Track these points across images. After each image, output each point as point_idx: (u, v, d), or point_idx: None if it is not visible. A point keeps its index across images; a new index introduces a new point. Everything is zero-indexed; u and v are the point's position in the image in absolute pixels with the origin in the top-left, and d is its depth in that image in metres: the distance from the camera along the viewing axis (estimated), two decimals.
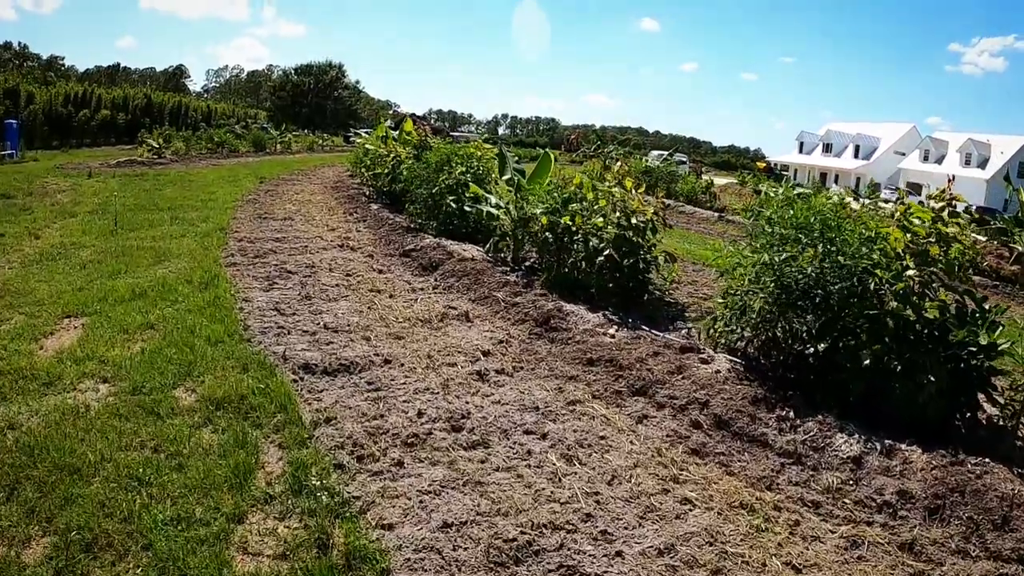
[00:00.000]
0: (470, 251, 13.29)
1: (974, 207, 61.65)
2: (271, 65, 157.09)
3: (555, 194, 11.60)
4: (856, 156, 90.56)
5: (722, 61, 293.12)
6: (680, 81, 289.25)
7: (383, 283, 11.51)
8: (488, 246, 13.37)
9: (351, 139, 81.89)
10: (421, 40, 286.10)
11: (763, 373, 7.57)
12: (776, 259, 7.19)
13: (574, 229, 10.69)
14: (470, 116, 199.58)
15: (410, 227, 15.98)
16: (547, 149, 18.83)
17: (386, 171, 19.94)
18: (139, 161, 33.28)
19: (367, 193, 23.16)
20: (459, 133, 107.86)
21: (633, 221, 10.27)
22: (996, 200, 70.73)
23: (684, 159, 72.70)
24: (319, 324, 9.04)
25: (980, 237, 21.23)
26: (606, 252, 10.05)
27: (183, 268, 11.41)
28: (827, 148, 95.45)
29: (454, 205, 14.73)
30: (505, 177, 14.56)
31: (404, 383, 7.30)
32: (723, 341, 8.44)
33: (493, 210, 13.59)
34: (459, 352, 8.35)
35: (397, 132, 26.44)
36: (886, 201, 37.01)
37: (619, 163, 16.95)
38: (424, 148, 19.58)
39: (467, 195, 14.65)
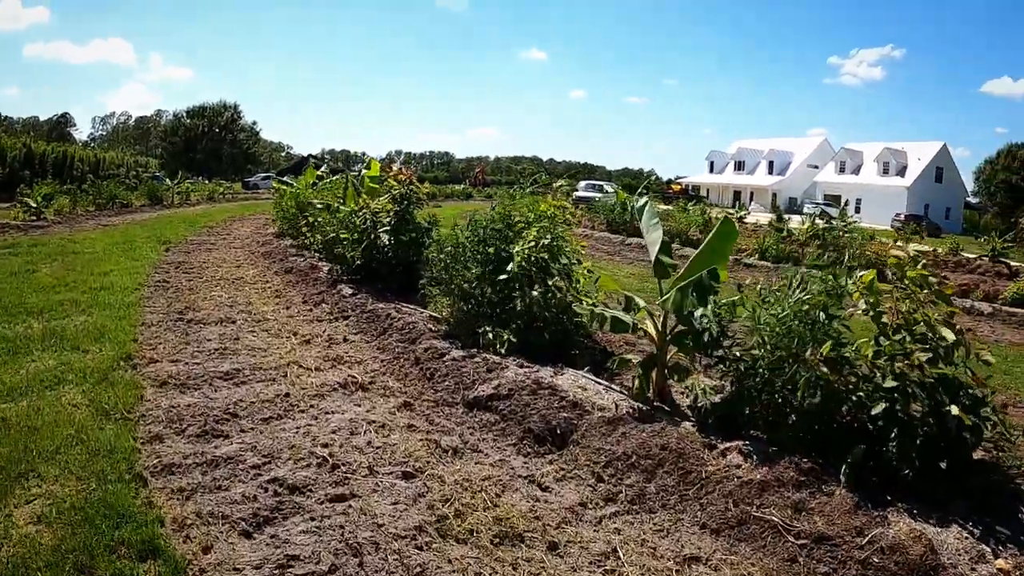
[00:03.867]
0: (605, 396, 7.74)
1: (903, 215, 61.97)
2: (160, 110, 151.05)
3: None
4: (770, 172, 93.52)
5: (608, 87, 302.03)
6: (569, 108, 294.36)
7: (520, 503, 5.98)
8: (637, 383, 7.99)
9: (252, 185, 77.04)
10: (310, 79, 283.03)
11: None
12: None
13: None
14: (363, 154, 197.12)
15: (437, 333, 10.08)
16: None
17: (355, 237, 13.94)
18: (12, 225, 26.22)
19: (315, 261, 16.90)
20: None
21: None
22: (917, 206, 74.94)
23: (612, 188, 71.08)
24: None
25: None
26: None
27: (61, 517, 5.30)
28: (739, 166, 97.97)
29: (541, 301, 9.14)
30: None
31: None
32: None
33: (624, 316, 8.14)
34: None
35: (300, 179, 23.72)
36: (807, 215, 34.53)
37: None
38: (410, 203, 13.75)
39: (553, 283, 9.32)
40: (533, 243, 9.24)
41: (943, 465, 5.78)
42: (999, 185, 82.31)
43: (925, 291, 6.10)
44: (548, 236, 9.43)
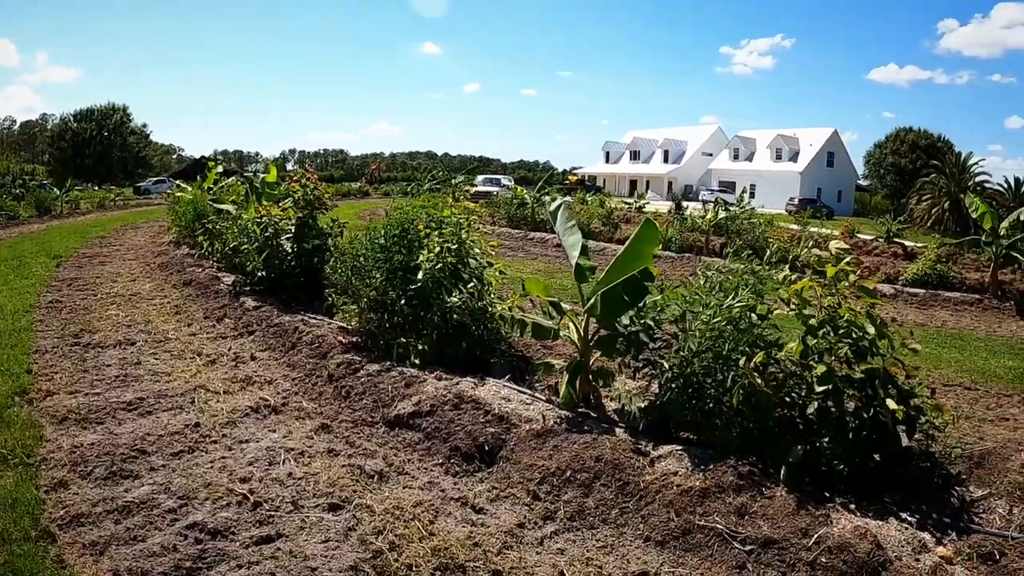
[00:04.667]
0: (531, 406, 7.59)
1: (796, 199, 63.56)
2: (45, 114, 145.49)
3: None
4: (665, 161, 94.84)
5: (503, 80, 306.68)
6: (463, 102, 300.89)
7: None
8: (564, 391, 7.65)
9: (144, 190, 74.87)
10: (200, 79, 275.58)
11: None
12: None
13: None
14: (257, 154, 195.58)
15: (348, 346, 9.67)
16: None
17: (255, 245, 13.38)
18: None
19: (215, 272, 16.24)
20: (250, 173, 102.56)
21: None
22: (810, 190, 76.69)
23: (509, 182, 71.41)
24: None
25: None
26: None
27: None
28: (635, 155, 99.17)
29: (456, 308, 8.79)
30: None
31: None
32: None
33: (545, 322, 8.03)
34: None
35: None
36: (704, 202, 35.17)
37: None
38: (313, 208, 13.28)
39: (467, 289, 8.91)
40: (439, 250, 8.93)
41: (877, 458, 5.85)
42: (888, 168, 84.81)
43: (845, 284, 6.07)
44: (455, 241, 9.14)
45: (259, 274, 13.27)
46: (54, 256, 21.19)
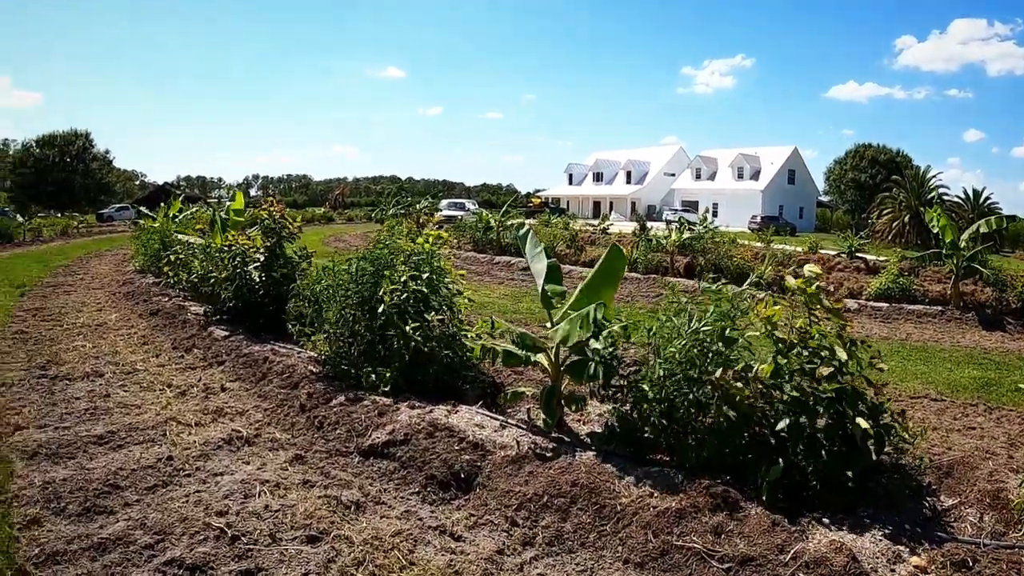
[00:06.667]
0: (504, 433, 7.56)
1: (759, 217, 64.03)
2: (7, 139, 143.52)
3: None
4: (628, 182, 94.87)
5: (466, 103, 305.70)
6: (426, 125, 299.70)
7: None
8: (541, 417, 7.89)
9: (106, 217, 74.34)
10: (162, 103, 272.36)
11: None
12: None
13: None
14: (220, 180, 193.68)
15: (319, 375, 9.62)
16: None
17: (223, 275, 13.32)
18: None
19: (182, 301, 16.14)
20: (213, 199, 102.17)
21: None
22: (772, 208, 76.48)
23: (474, 205, 71.44)
24: None
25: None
26: None
27: None
28: (598, 177, 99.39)
29: (418, 336, 8.73)
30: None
31: None
32: None
33: (513, 348, 8.00)
34: None
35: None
36: (668, 222, 35.36)
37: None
38: (281, 236, 13.23)
39: (432, 318, 8.94)
40: (403, 281, 8.94)
41: (850, 474, 5.92)
42: (849, 183, 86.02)
43: (818, 307, 6.17)
44: (427, 270, 9.17)
45: (229, 304, 13.20)
46: (17, 285, 20.97)
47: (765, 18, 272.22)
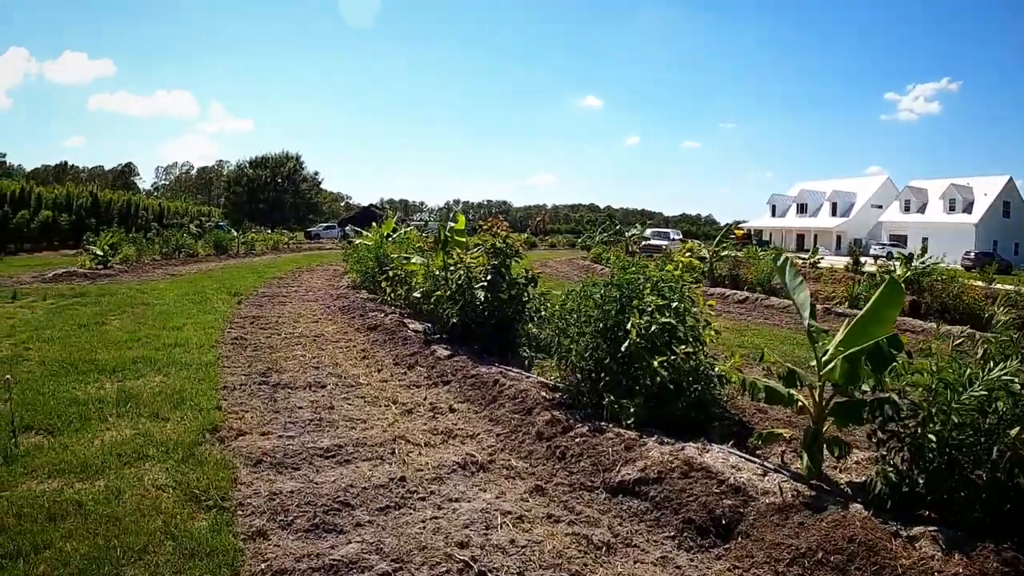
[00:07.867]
0: (764, 478, 6.62)
1: (973, 253, 60.36)
2: (221, 160, 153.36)
3: None
4: (834, 214, 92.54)
5: (664, 132, 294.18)
6: (624, 155, 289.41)
7: None
8: (806, 462, 6.85)
9: (314, 235, 77.28)
10: (366, 130, 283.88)
11: None
12: None
13: None
14: (422, 204, 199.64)
15: (552, 402, 8.95)
16: None
17: (447, 294, 12.99)
18: (80, 273, 25.99)
19: (400, 318, 15.85)
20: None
21: None
22: (986, 243, 73.11)
23: (678, 235, 70.53)
24: None
25: None
26: None
27: None
28: (802, 208, 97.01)
29: (664, 371, 7.96)
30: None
31: None
32: None
33: (777, 386, 7.26)
34: None
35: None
36: (876, 257, 33.11)
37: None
38: (506, 256, 12.72)
39: (680, 350, 8.16)
40: (651, 312, 8.29)
41: None
42: None
43: None
44: (676, 299, 8.46)
45: (452, 322, 12.83)
46: (234, 293, 21.66)
47: (970, 39, 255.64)
